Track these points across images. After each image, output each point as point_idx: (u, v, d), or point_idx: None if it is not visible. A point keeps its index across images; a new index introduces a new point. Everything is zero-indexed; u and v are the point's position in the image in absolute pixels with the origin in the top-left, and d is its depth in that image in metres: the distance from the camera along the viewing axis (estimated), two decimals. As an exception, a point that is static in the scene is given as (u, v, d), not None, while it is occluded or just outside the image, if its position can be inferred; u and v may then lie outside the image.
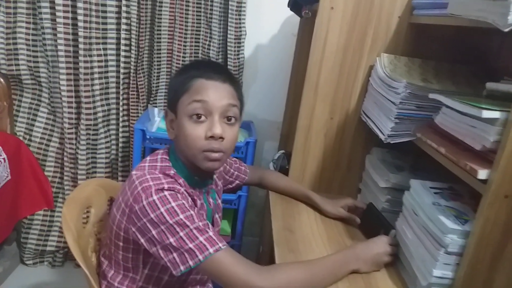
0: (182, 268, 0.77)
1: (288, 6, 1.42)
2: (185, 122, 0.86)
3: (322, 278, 0.83)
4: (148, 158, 0.92)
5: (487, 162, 0.72)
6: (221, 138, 0.85)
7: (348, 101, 1.22)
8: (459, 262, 0.78)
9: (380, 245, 0.93)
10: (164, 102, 1.92)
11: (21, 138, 1.80)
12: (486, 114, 0.70)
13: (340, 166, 1.30)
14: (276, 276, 0.78)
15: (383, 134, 1.02)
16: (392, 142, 1.01)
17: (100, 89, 1.73)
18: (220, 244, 0.77)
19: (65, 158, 1.81)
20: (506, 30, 0.67)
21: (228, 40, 1.74)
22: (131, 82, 1.77)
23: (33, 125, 1.82)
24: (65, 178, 1.85)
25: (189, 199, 0.85)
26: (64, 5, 1.56)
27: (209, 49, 1.79)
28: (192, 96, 0.86)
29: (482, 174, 0.71)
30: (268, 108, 1.93)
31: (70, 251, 1.94)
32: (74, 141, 1.78)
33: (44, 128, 1.82)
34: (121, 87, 1.76)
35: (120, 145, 1.85)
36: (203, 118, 0.85)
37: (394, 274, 0.94)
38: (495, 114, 0.70)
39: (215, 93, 0.86)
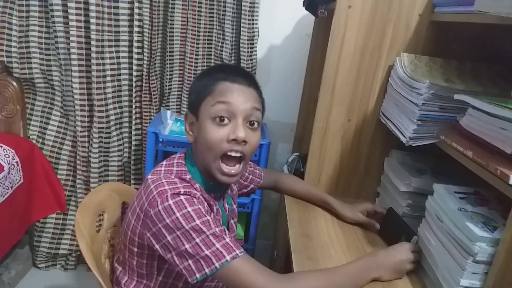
0: (198, 275, 0.74)
1: (304, 6, 1.40)
2: (207, 124, 0.84)
3: (342, 286, 0.80)
4: (164, 162, 0.90)
5: (519, 166, 0.68)
6: (244, 141, 0.83)
7: (366, 102, 1.19)
8: (487, 271, 0.74)
9: (402, 252, 0.89)
10: (177, 105, 1.90)
11: (34, 141, 1.80)
12: (519, 115, 0.66)
13: (357, 169, 1.26)
14: (295, 284, 0.75)
15: (405, 137, 0.98)
16: (414, 144, 0.97)
17: (112, 92, 1.72)
18: (238, 251, 0.75)
19: (78, 162, 1.81)
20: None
21: (241, 41, 1.72)
22: (143, 84, 1.76)
23: (46, 129, 1.82)
24: (78, 181, 1.84)
25: (205, 204, 0.83)
26: (76, 8, 1.56)
27: (222, 50, 1.77)
28: (216, 98, 0.84)
29: (514, 179, 0.67)
30: (281, 109, 1.90)
31: (83, 255, 1.91)
32: (86, 144, 1.77)
33: (57, 132, 1.82)
34: (133, 90, 1.75)
35: (133, 148, 1.83)
36: (226, 121, 0.83)
37: (417, 282, 0.90)
38: (528, 115, 0.66)
39: (239, 96, 0.84)
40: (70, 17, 1.56)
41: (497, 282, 0.72)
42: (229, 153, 0.84)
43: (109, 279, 0.93)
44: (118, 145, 1.82)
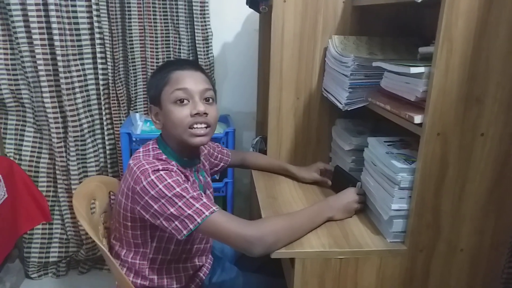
0: (185, 232, 0.91)
1: (247, 4, 1.57)
2: (171, 108, 1.00)
3: (301, 225, 0.98)
4: (140, 149, 1.05)
5: (421, 109, 0.89)
6: (205, 113, 1.00)
7: (310, 81, 1.38)
8: (411, 195, 0.94)
9: (349, 195, 1.09)
10: (145, 107, 2.04)
11: (11, 158, 1.89)
12: (413, 70, 0.87)
13: (310, 140, 1.46)
14: (263, 226, 0.93)
15: (341, 104, 1.19)
16: (349, 109, 1.18)
17: (82, 102, 1.84)
18: (214, 207, 0.92)
19: (57, 171, 1.91)
20: (419, 1, 0.84)
21: (197, 41, 1.88)
22: (110, 92, 1.89)
23: (21, 145, 1.91)
24: (60, 190, 1.94)
25: (182, 175, 0.99)
26: (39, 28, 1.67)
27: (180, 52, 1.92)
28: (173, 86, 1.00)
29: (417, 119, 0.88)
30: (242, 101, 2.08)
31: (72, 260, 2.03)
32: (64, 154, 1.88)
33: (33, 147, 1.92)
34: (102, 98, 1.88)
35: (108, 152, 1.96)
36: (186, 102, 1.00)
37: (364, 218, 1.10)
38: (420, 69, 0.87)
39: (192, 80, 1.01)
40: (34, 36, 1.67)
41: (419, 202, 0.93)
42: (195, 126, 1.00)
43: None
44: (94, 151, 1.94)
